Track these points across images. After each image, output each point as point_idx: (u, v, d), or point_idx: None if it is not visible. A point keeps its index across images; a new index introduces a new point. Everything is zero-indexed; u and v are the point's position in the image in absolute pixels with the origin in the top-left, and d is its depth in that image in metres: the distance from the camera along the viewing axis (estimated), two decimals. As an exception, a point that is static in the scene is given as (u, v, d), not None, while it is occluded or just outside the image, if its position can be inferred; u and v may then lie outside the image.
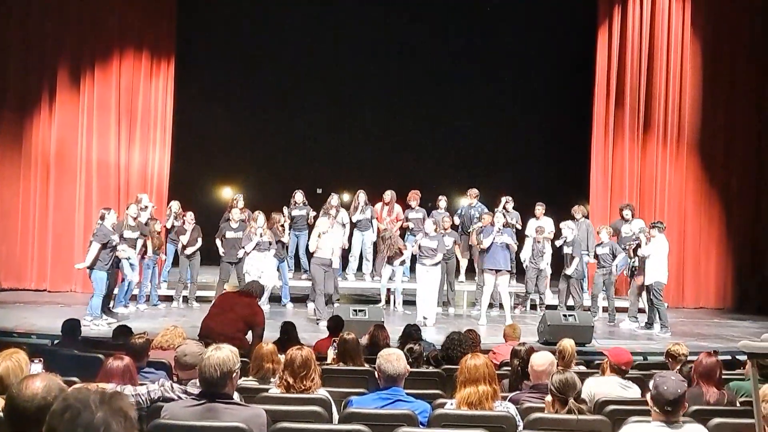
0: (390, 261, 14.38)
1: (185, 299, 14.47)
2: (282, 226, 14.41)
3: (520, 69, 19.10)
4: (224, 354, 4.39)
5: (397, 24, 18.95)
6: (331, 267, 13.51)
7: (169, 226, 14.61)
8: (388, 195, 15.56)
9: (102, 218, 12.33)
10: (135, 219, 13.43)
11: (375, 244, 15.44)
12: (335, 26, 18.79)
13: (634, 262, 13.88)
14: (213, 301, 10.49)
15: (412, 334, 8.69)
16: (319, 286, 13.22)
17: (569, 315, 11.90)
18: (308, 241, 14.12)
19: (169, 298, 14.61)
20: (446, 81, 19.33)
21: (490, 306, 14.17)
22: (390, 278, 14.67)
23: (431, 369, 7.40)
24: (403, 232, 15.50)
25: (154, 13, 16.64)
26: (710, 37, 16.97)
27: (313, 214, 15.02)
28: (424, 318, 13.04)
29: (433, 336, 10.71)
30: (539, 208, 15.39)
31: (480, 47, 19.14)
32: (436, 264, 13.40)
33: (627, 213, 14.88)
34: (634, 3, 16.85)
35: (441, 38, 18.98)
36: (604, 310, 14.25)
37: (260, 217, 13.72)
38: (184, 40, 17.28)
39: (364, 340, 8.34)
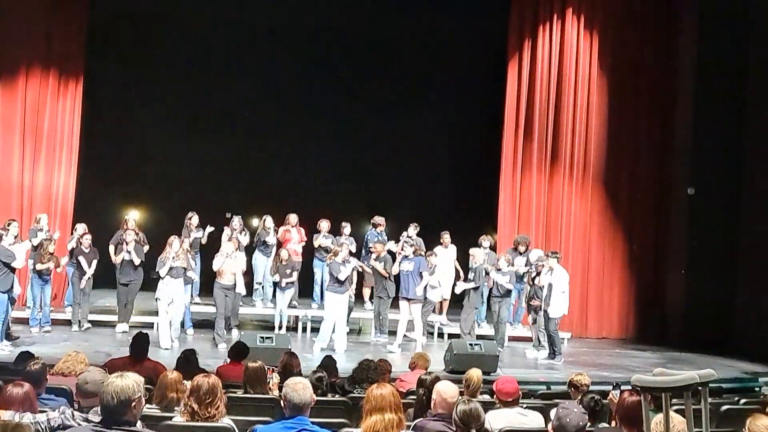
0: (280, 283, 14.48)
1: (79, 323, 14.01)
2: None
3: (431, 97, 19.23)
4: (125, 382, 4.29)
5: (304, 44, 18.84)
6: (233, 291, 13.51)
7: (69, 248, 14.20)
8: (294, 218, 15.54)
9: None
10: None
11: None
12: (242, 47, 18.69)
13: (531, 291, 14.05)
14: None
15: (330, 365, 8.60)
16: (219, 310, 13.35)
17: (475, 344, 12.00)
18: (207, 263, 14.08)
19: (68, 323, 14.14)
20: (354, 106, 19.27)
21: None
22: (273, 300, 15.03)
23: (337, 398, 7.38)
24: (310, 257, 15.58)
25: (62, 31, 16.25)
26: (616, 73, 17.42)
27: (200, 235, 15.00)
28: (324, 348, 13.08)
29: (344, 364, 10.58)
30: (446, 237, 15.58)
31: (390, 72, 19.22)
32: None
33: (522, 247, 15.22)
34: (544, 38, 17.19)
35: (349, 62, 18.98)
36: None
37: (175, 241, 13.31)
38: (93, 59, 16.96)
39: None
